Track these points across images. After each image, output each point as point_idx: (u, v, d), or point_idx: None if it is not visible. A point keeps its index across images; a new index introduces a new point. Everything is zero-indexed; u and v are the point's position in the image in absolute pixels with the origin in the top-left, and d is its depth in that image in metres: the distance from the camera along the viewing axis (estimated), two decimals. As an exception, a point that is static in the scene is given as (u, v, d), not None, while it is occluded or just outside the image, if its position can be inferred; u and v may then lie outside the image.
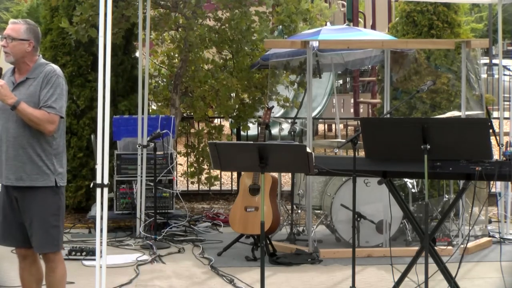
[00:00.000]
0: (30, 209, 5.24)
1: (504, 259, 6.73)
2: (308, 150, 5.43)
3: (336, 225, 8.06)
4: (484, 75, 16.70)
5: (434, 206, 8.47)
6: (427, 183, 6.11)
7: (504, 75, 17.61)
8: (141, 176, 8.70)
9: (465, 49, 7.99)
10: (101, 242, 5.72)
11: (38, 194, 5.23)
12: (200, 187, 10.69)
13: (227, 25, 9.52)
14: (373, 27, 16.60)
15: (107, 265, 5.83)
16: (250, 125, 10.38)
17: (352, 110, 16.51)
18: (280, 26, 10.01)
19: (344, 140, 7.66)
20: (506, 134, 9.27)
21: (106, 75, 5.63)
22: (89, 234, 8.65)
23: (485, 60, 21.94)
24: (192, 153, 10.28)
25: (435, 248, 5.92)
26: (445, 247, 7.71)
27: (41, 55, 5.35)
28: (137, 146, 8.63)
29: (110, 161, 7.45)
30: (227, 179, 11.72)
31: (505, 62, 21.19)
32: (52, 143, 5.26)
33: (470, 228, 7.33)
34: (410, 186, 8.34)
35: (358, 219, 7.76)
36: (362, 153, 6.10)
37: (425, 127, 5.51)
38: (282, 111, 11.63)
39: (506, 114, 11.46)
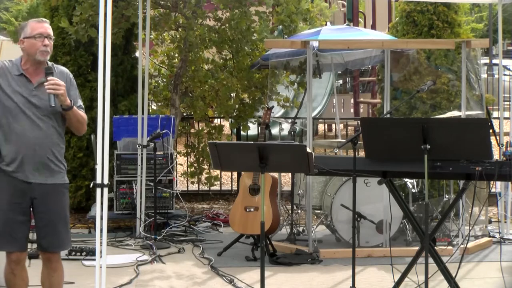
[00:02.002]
0: (52, 208, 5.28)
1: (504, 259, 6.74)
2: (308, 150, 5.43)
3: (336, 225, 8.05)
4: (484, 75, 16.69)
5: (434, 206, 8.47)
6: (427, 183, 6.11)
7: (504, 75, 17.61)
8: (141, 176, 8.70)
9: (465, 49, 7.99)
10: (101, 242, 5.72)
11: (59, 192, 5.31)
12: (200, 187, 10.69)
13: (227, 25, 9.52)
14: (373, 27, 16.60)
15: (107, 265, 5.83)
16: (250, 125, 10.38)
17: (352, 110, 16.52)
18: (280, 26, 10.00)
19: (344, 140, 7.66)
20: (506, 134, 9.27)
21: (106, 75, 5.64)
22: (89, 234, 8.65)
23: (485, 60, 21.94)
24: (192, 153, 10.28)
25: (435, 248, 5.92)
26: (445, 247, 7.71)
27: None
28: (137, 146, 8.63)
29: (110, 161, 7.45)
30: (227, 179, 11.72)
31: (505, 62, 21.15)
32: (63, 142, 5.39)
33: (470, 228, 7.32)
34: (410, 186, 8.34)
35: (358, 219, 7.75)
36: (362, 153, 6.10)
37: (425, 127, 5.51)
38: (282, 111, 11.63)
39: (506, 114, 11.46)
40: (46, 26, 5.26)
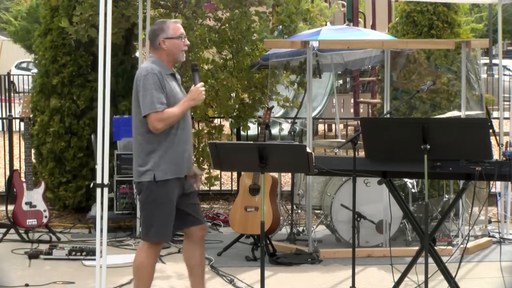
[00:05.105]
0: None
1: (504, 259, 6.74)
2: (308, 150, 5.43)
3: (336, 225, 8.06)
4: (484, 75, 16.70)
5: (434, 206, 8.47)
6: (427, 183, 6.12)
7: (504, 75, 17.64)
8: (141, 176, 8.68)
9: (465, 49, 7.99)
10: (101, 242, 5.74)
11: None
12: (200, 187, 10.67)
13: (227, 25, 9.51)
14: (373, 27, 16.59)
15: (107, 265, 5.84)
16: (250, 125, 10.37)
17: (352, 110, 16.53)
18: (280, 26, 10.00)
19: (344, 140, 7.66)
20: (506, 134, 9.27)
21: (106, 75, 5.65)
22: (89, 234, 8.65)
23: (485, 60, 21.96)
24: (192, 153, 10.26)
25: (435, 248, 5.93)
26: (445, 247, 7.72)
27: None
28: (137, 146, 8.62)
29: (110, 161, 7.45)
30: (227, 179, 11.72)
31: (505, 62, 21.24)
32: None
33: (470, 228, 7.33)
34: (410, 186, 8.34)
35: (358, 219, 7.76)
36: (362, 153, 6.10)
37: (425, 127, 5.51)
38: (282, 111, 11.62)
39: (506, 114, 11.46)
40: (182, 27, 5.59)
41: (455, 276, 5.92)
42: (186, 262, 5.78)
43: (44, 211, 8.41)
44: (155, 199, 5.45)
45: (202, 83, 5.55)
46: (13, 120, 10.51)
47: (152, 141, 5.43)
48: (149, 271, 5.58)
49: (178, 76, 5.67)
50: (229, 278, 7.02)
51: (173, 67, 5.67)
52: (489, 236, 8.43)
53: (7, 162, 10.18)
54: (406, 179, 8.29)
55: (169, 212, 5.48)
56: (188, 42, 5.62)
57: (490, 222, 8.93)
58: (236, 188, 10.41)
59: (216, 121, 12.64)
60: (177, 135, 5.47)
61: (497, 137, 7.25)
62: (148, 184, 5.44)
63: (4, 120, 11.59)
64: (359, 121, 7.13)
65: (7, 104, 11.73)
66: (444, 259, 6.02)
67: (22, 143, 9.12)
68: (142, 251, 5.59)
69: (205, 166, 10.15)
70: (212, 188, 10.67)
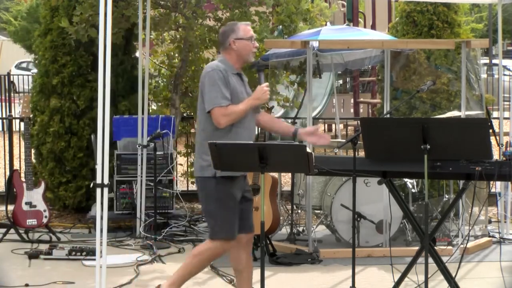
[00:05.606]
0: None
1: (504, 259, 6.74)
2: (308, 150, 5.43)
3: (336, 225, 8.06)
4: (484, 75, 16.70)
5: (434, 206, 8.47)
6: (427, 183, 6.11)
7: (504, 75, 17.65)
8: (141, 176, 8.70)
9: (465, 49, 7.99)
10: (101, 242, 5.73)
11: None
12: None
13: (227, 25, 9.51)
14: (373, 27, 16.60)
15: (107, 265, 5.84)
16: (250, 125, 10.36)
17: (352, 110, 16.53)
18: (280, 26, 10.00)
19: (344, 140, 7.66)
20: (506, 134, 9.27)
21: (106, 75, 5.65)
22: (89, 234, 8.65)
23: (485, 60, 21.97)
24: (192, 153, 10.28)
25: (435, 248, 5.93)
26: (445, 247, 7.72)
27: None
28: (137, 146, 8.63)
29: (110, 161, 7.46)
30: (227, 179, 11.70)
31: (505, 62, 21.24)
32: None
33: (470, 228, 7.33)
34: (410, 186, 8.35)
35: (358, 219, 7.76)
36: (362, 153, 6.10)
37: (425, 127, 5.51)
38: (282, 111, 11.62)
39: (506, 114, 11.45)
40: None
41: (455, 276, 5.92)
42: (233, 267, 5.86)
43: (44, 211, 8.41)
44: (217, 196, 5.55)
45: (267, 83, 5.66)
46: (13, 120, 10.51)
47: (213, 137, 5.50)
48: (202, 261, 5.64)
49: (245, 78, 5.75)
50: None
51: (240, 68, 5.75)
52: (489, 236, 8.43)
53: (7, 162, 10.17)
54: (406, 179, 8.29)
55: (231, 208, 5.55)
56: (257, 45, 5.72)
57: (490, 222, 8.93)
58: (236, 188, 10.39)
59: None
60: (238, 133, 5.54)
61: (497, 137, 7.25)
62: (209, 180, 5.56)
63: (4, 120, 11.59)
64: (359, 121, 7.13)
65: (7, 104, 11.72)
66: (444, 259, 6.02)
67: (22, 143, 9.12)
68: (207, 244, 5.63)
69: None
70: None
